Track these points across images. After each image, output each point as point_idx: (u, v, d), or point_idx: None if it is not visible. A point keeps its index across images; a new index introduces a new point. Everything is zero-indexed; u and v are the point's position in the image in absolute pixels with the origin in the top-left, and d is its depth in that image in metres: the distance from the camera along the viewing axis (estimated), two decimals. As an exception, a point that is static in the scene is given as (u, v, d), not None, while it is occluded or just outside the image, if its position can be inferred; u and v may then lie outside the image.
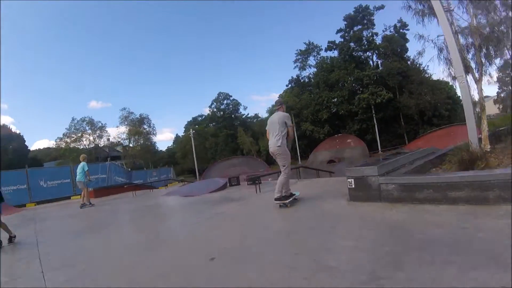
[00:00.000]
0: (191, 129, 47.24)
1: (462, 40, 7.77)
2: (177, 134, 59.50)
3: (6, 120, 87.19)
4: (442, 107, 33.38)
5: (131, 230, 5.64)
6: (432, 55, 8.69)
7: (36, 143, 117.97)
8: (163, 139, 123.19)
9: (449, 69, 8.26)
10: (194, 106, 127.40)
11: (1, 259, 4.06)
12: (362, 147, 33.24)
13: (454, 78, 7.46)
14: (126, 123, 45.98)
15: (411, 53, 35.57)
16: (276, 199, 5.08)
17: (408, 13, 8.66)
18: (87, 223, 6.99)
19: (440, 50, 8.38)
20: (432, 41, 8.41)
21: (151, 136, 49.15)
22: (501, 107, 49.76)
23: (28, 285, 2.88)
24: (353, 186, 4.53)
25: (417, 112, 32.83)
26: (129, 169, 40.17)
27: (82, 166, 10.58)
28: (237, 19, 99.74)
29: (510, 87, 37.39)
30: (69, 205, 12.05)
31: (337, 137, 36.86)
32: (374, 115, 35.28)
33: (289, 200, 5.08)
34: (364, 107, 34.55)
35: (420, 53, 9.04)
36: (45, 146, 61.44)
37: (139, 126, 46.53)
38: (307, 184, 7.74)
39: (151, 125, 48.47)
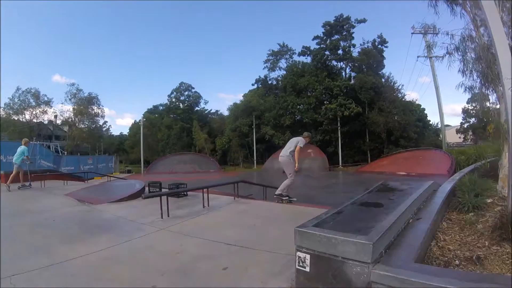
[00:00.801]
0: (142, 117, 43.48)
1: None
2: (135, 121, 54.82)
3: None
4: (411, 129, 31.87)
5: None
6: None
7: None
8: (125, 124, 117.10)
9: (470, 75, 6.82)
10: (160, 93, 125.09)
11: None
12: (323, 159, 31.06)
13: (470, 88, 6.69)
14: (73, 100, 41.13)
15: (388, 69, 34.24)
16: (275, 194, 7.34)
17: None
18: None
19: (459, 50, 7.01)
20: (452, 35, 6.95)
21: (99, 118, 44.55)
22: (462, 137, 52.00)
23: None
24: (308, 270, 2.14)
25: (384, 130, 30.89)
26: (63, 153, 36.00)
27: (22, 150, 10.66)
28: (213, 15, 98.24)
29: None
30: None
31: (298, 145, 34.27)
32: (339, 127, 33.06)
33: (285, 199, 7.14)
34: (330, 118, 32.18)
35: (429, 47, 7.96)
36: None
37: (86, 106, 41.82)
38: (232, 218, 5.53)
39: (100, 107, 43.86)
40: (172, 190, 7.69)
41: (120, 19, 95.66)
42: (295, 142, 7.09)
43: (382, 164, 25.29)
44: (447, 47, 7.33)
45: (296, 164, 7.14)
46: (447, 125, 32.52)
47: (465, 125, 55.57)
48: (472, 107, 55.44)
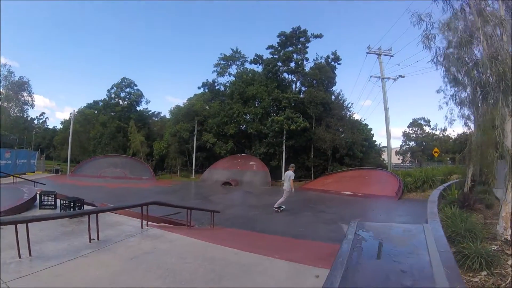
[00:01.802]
0: (73, 111, 39.50)
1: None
2: (70, 115, 49.66)
3: None
4: (358, 148, 31.19)
5: None
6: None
7: None
8: (65, 118, 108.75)
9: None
10: (103, 88, 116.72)
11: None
12: (265, 172, 29.42)
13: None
14: (4, 84, 36.38)
15: (338, 87, 33.71)
16: (275, 207, 13.50)
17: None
18: None
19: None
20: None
21: (28, 107, 39.91)
22: (401, 158, 55.48)
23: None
24: None
25: (330, 147, 29.90)
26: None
27: None
28: (166, 13, 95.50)
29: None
30: None
31: (240, 157, 32.82)
32: (284, 141, 31.56)
33: (280, 210, 13.40)
34: (276, 130, 30.63)
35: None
36: None
37: (16, 92, 37.16)
38: (121, 271, 4.05)
39: (31, 94, 39.27)
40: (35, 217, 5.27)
41: (68, 6, 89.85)
42: (288, 176, 13.89)
43: (327, 182, 24.27)
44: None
45: (292, 189, 13.84)
46: (385, 147, 32.55)
47: (404, 147, 58.76)
48: (413, 131, 58.86)
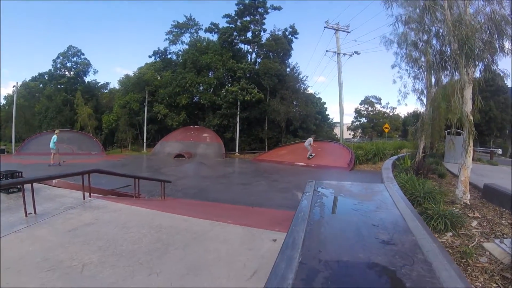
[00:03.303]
0: (16, 83, 36.14)
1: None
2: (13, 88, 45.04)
3: None
4: (311, 121, 31.52)
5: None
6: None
7: None
8: (8, 92, 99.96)
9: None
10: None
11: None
12: (219, 144, 28.91)
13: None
14: None
15: (294, 60, 33.43)
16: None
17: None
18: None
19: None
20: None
21: None
22: (352, 134, 58.10)
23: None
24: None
25: (284, 119, 29.89)
26: None
27: (53, 138, 18.01)
28: None
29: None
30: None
31: (193, 129, 31.83)
32: (239, 112, 31.10)
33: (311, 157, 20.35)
34: (231, 101, 30.08)
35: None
36: None
37: None
38: (57, 245, 3.59)
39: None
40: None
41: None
42: (309, 141, 21.00)
43: (280, 154, 24.45)
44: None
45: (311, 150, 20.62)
46: (338, 122, 33.22)
47: (356, 124, 61.06)
48: (364, 109, 60.96)
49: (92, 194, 6.03)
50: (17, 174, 6.62)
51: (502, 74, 6.56)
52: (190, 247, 3.61)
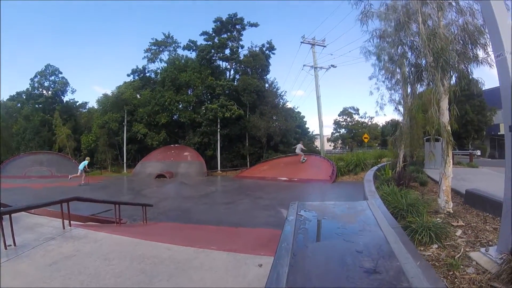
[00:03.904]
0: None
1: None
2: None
3: None
4: (291, 135, 32.00)
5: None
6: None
7: None
8: None
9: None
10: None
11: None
12: (200, 163, 28.69)
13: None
14: None
15: (272, 75, 33.70)
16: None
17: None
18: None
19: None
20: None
21: None
22: (332, 145, 59.06)
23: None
24: None
25: (265, 135, 30.08)
26: None
27: (84, 163, 21.71)
28: None
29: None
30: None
31: (174, 148, 31.58)
32: (219, 129, 31.10)
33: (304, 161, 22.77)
34: (211, 119, 30.07)
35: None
36: None
37: None
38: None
39: None
40: None
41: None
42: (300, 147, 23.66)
43: (262, 169, 24.46)
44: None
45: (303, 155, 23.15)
46: (318, 134, 33.71)
47: (335, 135, 62.02)
48: (343, 119, 61.91)
49: (72, 221, 5.86)
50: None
51: (477, 81, 6.84)
52: (175, 278, 3.49)
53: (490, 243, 3.76)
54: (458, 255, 3.31)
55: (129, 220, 9.16)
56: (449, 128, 5.89)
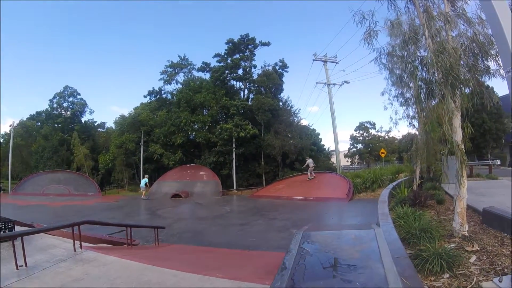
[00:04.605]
0: (13, 123, 36.41)
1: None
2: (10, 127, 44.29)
3: None
4: (307, 153, 31.48)
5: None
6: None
7: None
8: (6, 130, 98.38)
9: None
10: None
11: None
12: (216, 182, 28.61)
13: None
14: None
15: (286, 93, 33.90)
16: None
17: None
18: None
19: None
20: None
21: None
22: (350, 160, 58.08)
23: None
24: None
25: (280, 153, 30.14)
26: None
27: (145, 180, 25.69)
28: (114, 22, 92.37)
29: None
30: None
31: (190, 167, 31.72)
32: (234, 149, 31.25)
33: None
34: (226, 138, 30.22)
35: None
36: None
37: None
38: None
39: None
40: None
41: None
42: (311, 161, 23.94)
43: (278, 188, 24.21)
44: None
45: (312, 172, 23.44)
46: (334, 150, 33.49)
47: (352, 150, 61.23)
48: (359, 134, 61.24)
49: (83, 242, 5.91)
50: (9, 222, 6.58)
51: (492, 89, 6.57)
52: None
53: (506, 269, 3.57)
54: (469, 286, 3.13)
55: (142, 241, 9.15)
56: (462, 146, 5.66)
